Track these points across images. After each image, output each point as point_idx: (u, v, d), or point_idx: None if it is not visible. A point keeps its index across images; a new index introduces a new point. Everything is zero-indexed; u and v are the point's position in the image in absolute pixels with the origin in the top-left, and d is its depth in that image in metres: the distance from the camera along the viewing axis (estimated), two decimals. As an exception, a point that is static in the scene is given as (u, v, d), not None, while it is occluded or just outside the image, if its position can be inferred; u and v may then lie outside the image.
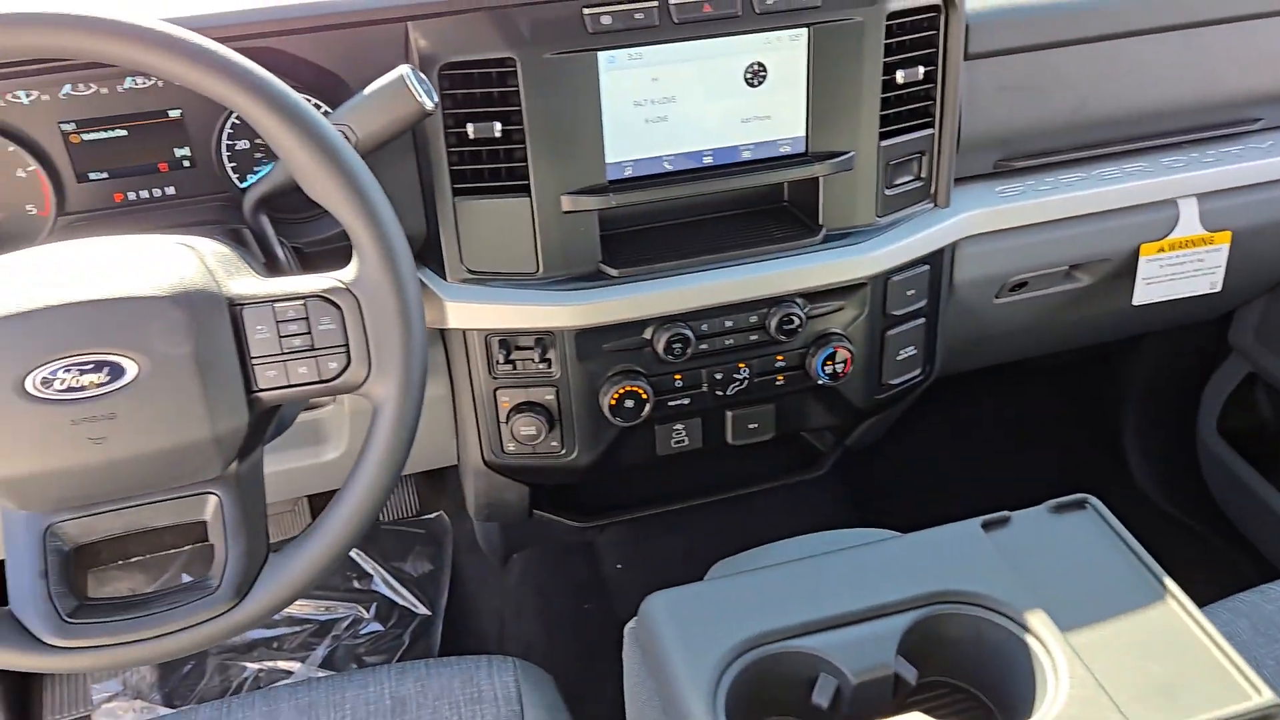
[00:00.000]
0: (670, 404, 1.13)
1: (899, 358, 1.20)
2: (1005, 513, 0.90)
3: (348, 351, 0.79)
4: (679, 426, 1.19)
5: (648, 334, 1.08)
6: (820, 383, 1.15)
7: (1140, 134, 1.22)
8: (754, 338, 1.11)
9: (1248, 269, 1.32)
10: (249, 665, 1.55)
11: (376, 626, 1.60)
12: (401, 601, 1.63)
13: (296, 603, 1.60)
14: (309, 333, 0.78)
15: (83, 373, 0.74)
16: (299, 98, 0.77)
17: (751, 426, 1.21)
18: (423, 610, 1.62)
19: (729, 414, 1.19)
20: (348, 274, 0.79)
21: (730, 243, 1.09)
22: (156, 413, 0.75)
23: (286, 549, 0.83)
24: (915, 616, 0.81)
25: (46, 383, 0.73)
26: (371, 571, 1.65)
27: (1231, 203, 1.25)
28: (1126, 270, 1.27)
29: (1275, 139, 1.27)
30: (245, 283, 0.79)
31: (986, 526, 0.88)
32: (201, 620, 0.80)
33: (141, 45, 0.73)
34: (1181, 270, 1.25)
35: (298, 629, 1.59)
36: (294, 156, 0.77)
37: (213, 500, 0.81)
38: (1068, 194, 1.19)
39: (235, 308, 0.77)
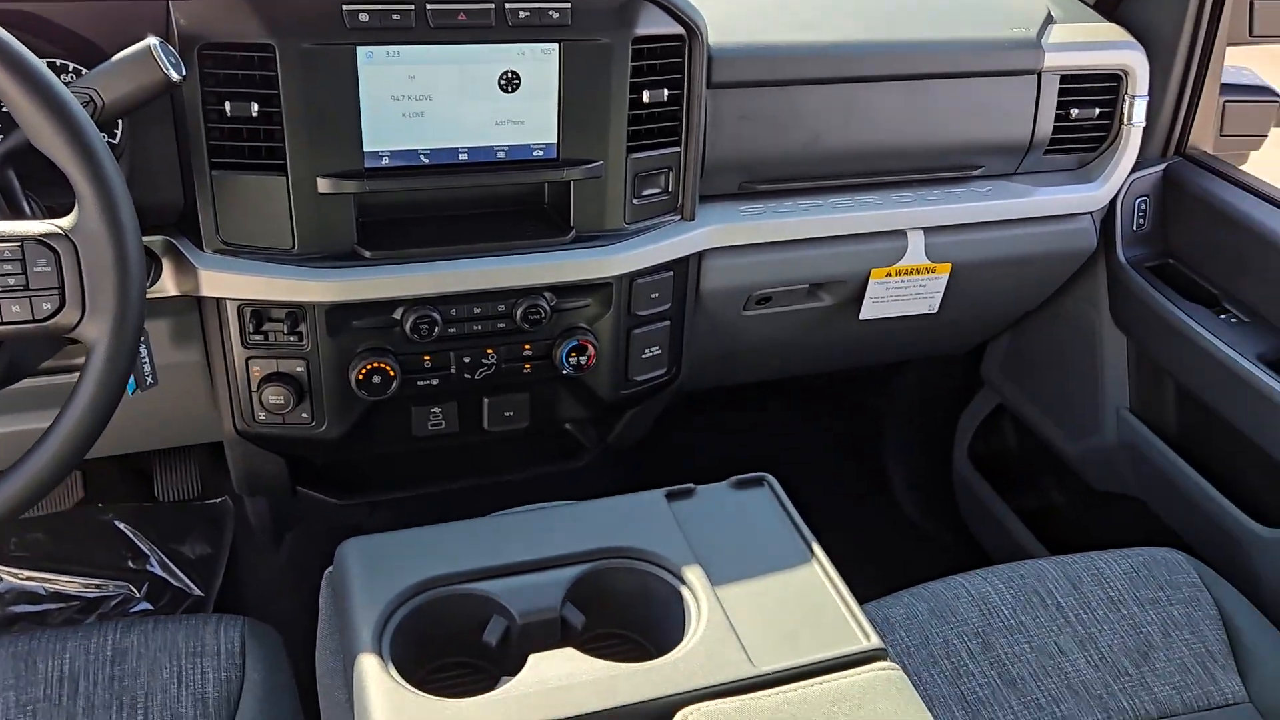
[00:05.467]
0: (419, 383, 1.20)
1: (644, 356, 1.29)
2: (690, 485, 0.99)
3: (62, 294, 0.84)
4: (436, 410, 1.25)
5: (397, 314, 1.15)
6: (565, 373, 1.23)
7: (872, 170, 1.36)
8: (501, 325, 1.19)
9: (967, 296, 1.47)
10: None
11: (146, 606, 1.60)
12: (175, 583, 1.64)
13: (64, 579, 1.59)
14: (24, 274, 0.82)
15: None
16: (24, 50, 0.82)
17: (507, 414, 1.28)
18: (196, 592, 1.63)
19: (486, 400, 1.26)
20: (67, 221, 0.84)
21: (483, 236, 1.17)
22: None
23: (-11, 480, 0.86)
24: (585, 569, 0.89)
25: None
26: (148, 552, 1.65)
27: (952, 239, 1.40)
28: (863, 293, 1.40)
29: (993, 186, 1.42)
30: None
31: (670, 496, 0.98)
32: None
33: None
34: (904, 293, 1.39)
35: (63, 605, 1.58)
36: (20, 108, 0.82)
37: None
38: (804, 218, 1.32)
39: None
